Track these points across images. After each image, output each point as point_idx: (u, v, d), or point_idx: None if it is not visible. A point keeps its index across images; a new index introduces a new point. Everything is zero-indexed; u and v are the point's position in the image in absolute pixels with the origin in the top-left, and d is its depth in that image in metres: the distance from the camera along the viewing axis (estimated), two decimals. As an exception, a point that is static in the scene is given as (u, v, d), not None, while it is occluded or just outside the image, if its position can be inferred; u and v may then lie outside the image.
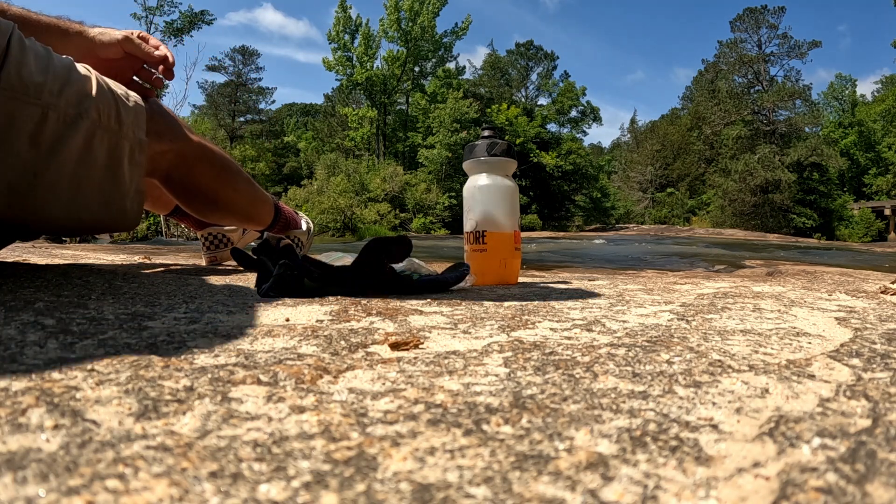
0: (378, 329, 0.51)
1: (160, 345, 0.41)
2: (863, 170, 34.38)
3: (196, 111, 35.73)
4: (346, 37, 26.45)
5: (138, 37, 0.90)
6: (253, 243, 0.82)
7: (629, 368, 0.38)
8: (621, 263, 3.90)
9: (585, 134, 29.88)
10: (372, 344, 0.45)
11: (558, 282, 1.09)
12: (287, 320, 0.55)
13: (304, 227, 1.39)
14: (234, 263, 1.37)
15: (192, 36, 22.30)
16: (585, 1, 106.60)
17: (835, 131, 33.71)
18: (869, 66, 78.64)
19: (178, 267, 1.26)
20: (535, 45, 28.11)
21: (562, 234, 21.52)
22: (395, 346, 0.43)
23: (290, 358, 0.39)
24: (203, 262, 1.41)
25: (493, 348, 0.44)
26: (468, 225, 1.03)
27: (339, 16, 26.62)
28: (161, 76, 0.93)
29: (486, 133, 1.04)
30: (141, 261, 1.47)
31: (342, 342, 0.45)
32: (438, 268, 0.92)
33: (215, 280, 0.92)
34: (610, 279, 1.23)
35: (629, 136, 40.65)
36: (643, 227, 25.56)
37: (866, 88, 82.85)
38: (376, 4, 43.88)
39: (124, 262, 1.33)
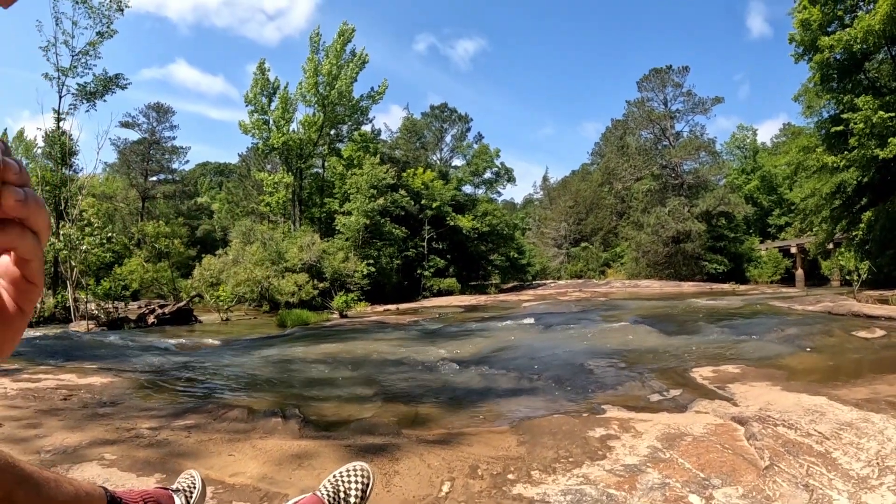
0: None
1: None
2: (766, 211, 36.88)
3: (108, 169, 34.00)
4: (264, 99, 26.08)
5: None
6: None
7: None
8: (571, 388, 4.02)
9: (500, 194, 30.68)
10: None
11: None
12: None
13: None
14: None
15: (105, 100, 21.27)
16: (495, 60, 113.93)
17: (738, 177, 36.14)
18: (766, 112, 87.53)
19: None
20: (449, 108, 28.65)
21: (483, 298, 21.51)
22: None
23: None
24: None
25: None
26: None
27: (257, 78, 26.25)
28: None
29: None
30: None
31: None
32: None
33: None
34: None
35: (542, 192, 41.83)
36: (560, 282, 25.99)
37: (765, 134, 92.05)
38: (293, 67, 43.86)
39: None
